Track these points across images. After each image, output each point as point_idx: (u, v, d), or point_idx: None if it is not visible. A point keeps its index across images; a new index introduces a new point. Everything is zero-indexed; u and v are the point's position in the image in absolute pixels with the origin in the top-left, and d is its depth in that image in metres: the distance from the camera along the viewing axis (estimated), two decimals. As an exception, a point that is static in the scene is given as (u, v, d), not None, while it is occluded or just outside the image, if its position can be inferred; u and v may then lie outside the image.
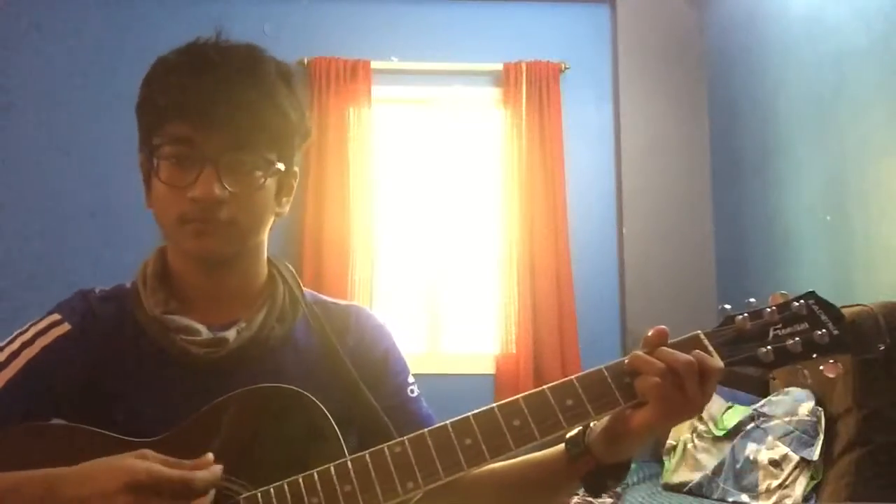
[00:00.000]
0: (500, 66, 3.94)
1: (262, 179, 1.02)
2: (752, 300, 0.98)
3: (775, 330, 0.95)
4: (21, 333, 1.04)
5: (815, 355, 0.93)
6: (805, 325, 0.95)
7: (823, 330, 0.94)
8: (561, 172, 3.87)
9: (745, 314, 0.97)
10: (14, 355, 1.01)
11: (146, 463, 0.82)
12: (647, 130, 4.00)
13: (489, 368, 3.79)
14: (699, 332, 0.96)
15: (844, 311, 0.97)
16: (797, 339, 0.93)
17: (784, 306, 0.96)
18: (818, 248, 3.01)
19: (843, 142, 2.86)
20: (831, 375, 0.94)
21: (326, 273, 3.61)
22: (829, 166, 2.95)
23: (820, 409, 2.38)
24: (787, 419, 2.44)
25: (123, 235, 3.79)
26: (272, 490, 0.89)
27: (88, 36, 3.90)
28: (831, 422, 2.33)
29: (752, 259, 3.58)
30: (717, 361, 0.91)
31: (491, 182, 3.95)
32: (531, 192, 3.83)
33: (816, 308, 0.96)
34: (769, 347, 0.93)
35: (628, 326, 3.87)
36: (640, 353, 0.93)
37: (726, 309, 0.98)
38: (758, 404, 2.60)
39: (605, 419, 0.96)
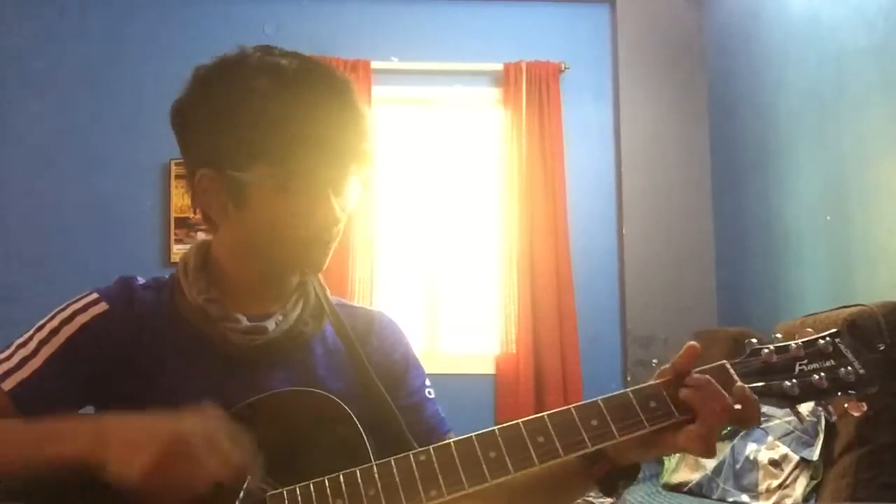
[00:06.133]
0: (500, 66, 3.94)
1: (358, 195, 1.11)
2: (778, 335, 0.99)
3: (801, 365, 0.96)
4: (60, 311, 1.06)
5: (839, 393, 0.94)
6: (831, 363, 0.95)
7: (849, 368, 0.94)
8: (561, 172, 3.86)
9: (771, 348, 0.97)
10: (54, 332, 1.04)
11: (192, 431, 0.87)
12: (647, 130, 4.00)
13: (489, 368, 3.79)
14: (725, 361, 0.96)
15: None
16: (822, 374, 0.94)
17: (810, 343, 0.97)
18: (818, 248, 3.01)
19: (843, 142, 2.85)
20: (856, 414, 0.94)
21: (327, 273, 3.57)
22: (829, 166, 2.95)
23: (820, 408, 2.38)
24: (787, 419, 2.44)
25: (121, 236, 3.81)
26: (298, 489, 0.91)
27: (89, 35, 3.90)
28: (831, 422, 2.33)
29: (752, 259, 3.57)
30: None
31: (491, 182, 3.95)
32: (531, 192, 3.83)
33: (843, 346, 0.96)
34: (795, 381, 0.94)
35: (628, 326, 3.87)
36: (700, 393, 0.93)
37: (752, 342, 0.99)
38: (758, 404, 2.60)
39: None
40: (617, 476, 1.00)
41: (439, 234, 4.00)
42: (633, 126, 3.99)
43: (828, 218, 2.92)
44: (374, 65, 3.87)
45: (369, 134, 1.08)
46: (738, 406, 0.93)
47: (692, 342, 0.96)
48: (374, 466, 0.92)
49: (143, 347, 1.06)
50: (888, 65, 2.59)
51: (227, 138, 1.03)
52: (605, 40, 4.08)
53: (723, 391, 0.92)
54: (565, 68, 3.96)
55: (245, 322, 1.06)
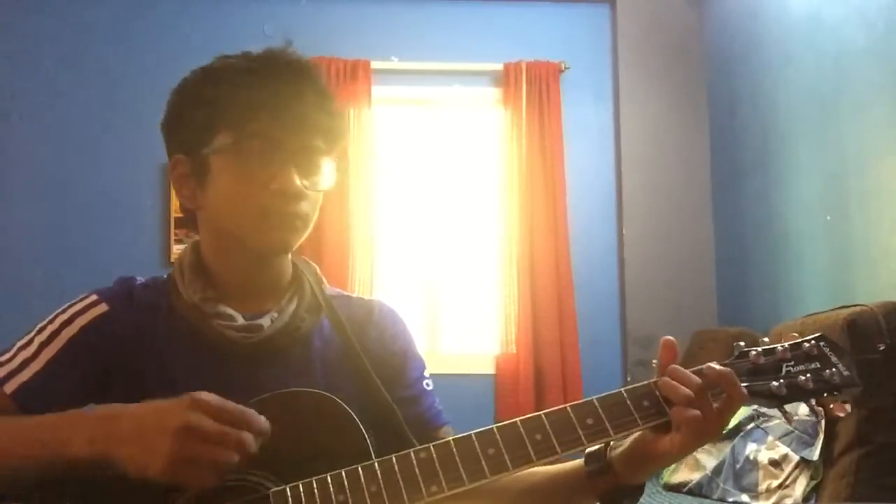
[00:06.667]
0: (500, 66, 3.95)
1: (328, 178, 1.10)
2: (765, 339, 1.02)
3: (787, 366, 0.98)
4: (60, 313, 1.07)
5: (825, 394, 0.97)
6: (816, 364, 0.98)
7: (834, 369, 0.97)
8: (561, 172, 3.87)
9: (759, 350, 1.00)
10: (55, 334, 1.05)
11: (197, 416, 0.86)
12: (647, 130, 4.00)
13: (489, 368, 3.79)
14: (712, 363, 0.97)
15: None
16: (808, 375, 0.97)
17: (795, 345, 1.00)
18: (818, 248, 3.01)
19: (843, 142, 2.86)
20: (841, 414, 0.98)
21: (327, 272, 3.54)
22: (829, 166, 2.95)
23: (820, 408, 2.38)
24: (787, 419, 2.44)
25: (121, 236, 3.81)
26: (301, 486, 0.92)
27: (89, 35, 3.91)
28: (831, 422, 2.33)
29: (752, 259, 3.58)
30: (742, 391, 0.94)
31: (491, 182, 3.95)
32: (531, 192, 3.83)
33: (826, 349, 0.99)
34: (782, 381, 0.97)
35: (628, 326, 3.87)
36: (668, 380, 0.94)
37: (740, 345, 1.01)
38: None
39: (628, 442, 0.98)
40: (621, 494, 1.00)
41: (439, 234, 3.99)
42: (633, 126, 3.99)
43: (828, 218, 2.92)
44: (374, 65, 3.88)
45: (333, 110, 1.09)
46: (716, 389, 0.93)
47: (667, 337, 0.98)
48: (376, 463, 0.93)
49: (142, 347, 1.07)
50: (888, 65, 2.59)
51: (196, 119, 1.07)
52: (605, 40, 4.09)
53: (689, 372, 0.94)
54: (565, 68, 3.96)
55: (241, 320, 1.08)
